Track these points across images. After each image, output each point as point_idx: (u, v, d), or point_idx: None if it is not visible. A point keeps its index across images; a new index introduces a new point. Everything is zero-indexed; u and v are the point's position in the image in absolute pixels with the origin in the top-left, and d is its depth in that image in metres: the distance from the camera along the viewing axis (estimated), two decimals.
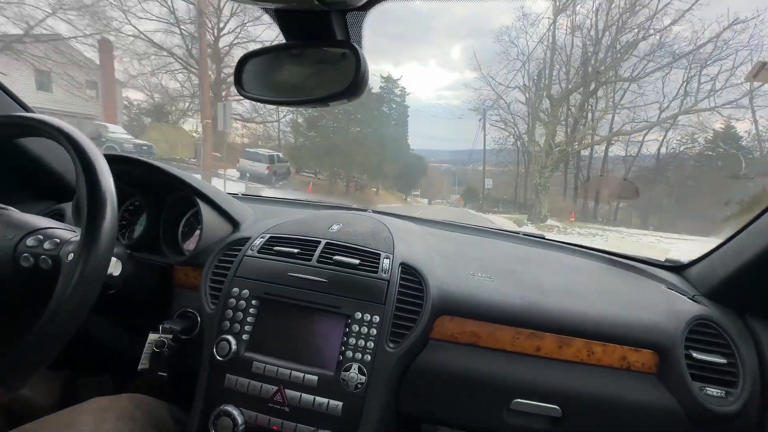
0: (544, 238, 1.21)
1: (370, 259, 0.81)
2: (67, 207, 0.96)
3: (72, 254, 0.56)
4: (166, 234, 0.96)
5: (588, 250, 1.13)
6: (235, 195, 1.24)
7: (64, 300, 0.50)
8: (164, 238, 0.94)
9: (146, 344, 0.78)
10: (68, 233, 0.64)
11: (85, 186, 0.54)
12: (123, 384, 1.12)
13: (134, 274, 0.82)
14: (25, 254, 0.59)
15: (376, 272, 0.78)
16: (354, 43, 0.56)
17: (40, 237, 0.61)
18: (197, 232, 0.97)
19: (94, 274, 0.53)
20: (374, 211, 1.21)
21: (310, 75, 0.62)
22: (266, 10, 0.54)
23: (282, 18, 0.55)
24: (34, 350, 0.50)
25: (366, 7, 0.52)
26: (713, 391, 0.73)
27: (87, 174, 0.54)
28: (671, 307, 0.83)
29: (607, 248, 1.14)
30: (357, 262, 0.79)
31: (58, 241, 0.61)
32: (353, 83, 0.55)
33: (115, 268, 0.70)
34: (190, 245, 0.97)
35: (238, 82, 0.65)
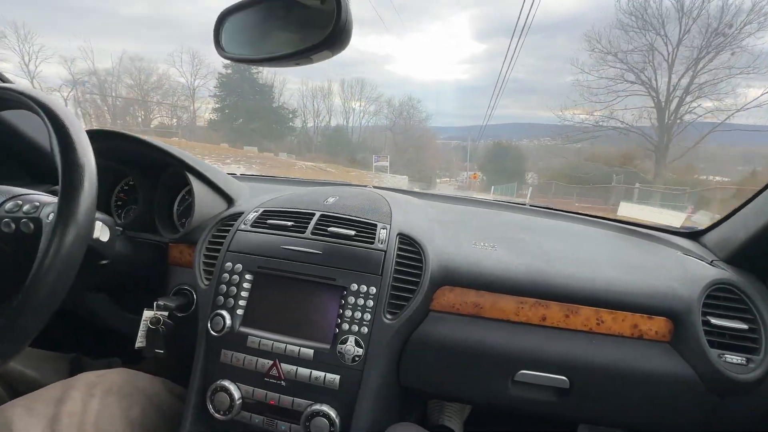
0: (552, 208, 1.17)
1: (366, 229, 0.78)
2: None
3: (52, 213, 0.55)
4: (161, 212, 0.94)
5: (598, 219, 1.08)
6: (233, 174, 1.22)
7: (49, 258, 0.48)
8: (158, 216, 0.93)
9: (141, 322, 0.77)
10: (48, 197, 0.63)
11: (59, 147, 0.51)
12: (131, 365, 1.12)
13: (129, 252, 0.81)
14: (6, 219, 0.58)
15: (372, 243, 0.75)
16: None
17: (19, 202, 0.60)
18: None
19: (77, 230, 0.50)
20: (375, 187, 1.18)
21: (292, 28, 0.58)
22: None
23: None
24: (24, 313, 0.48)
25: None
26: (733, 358, 0.69)
27: (59, 134, 0.51)
28: (687, 273, 0.78)
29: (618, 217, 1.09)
30: (352, 233, 0.77)
31: (38, 204, 0.60)
32: (333, 33, 0.50)
33: (102, 232, 0.68)
34: (187, 224, 0.95)
35: (217, 42, 0.61)
